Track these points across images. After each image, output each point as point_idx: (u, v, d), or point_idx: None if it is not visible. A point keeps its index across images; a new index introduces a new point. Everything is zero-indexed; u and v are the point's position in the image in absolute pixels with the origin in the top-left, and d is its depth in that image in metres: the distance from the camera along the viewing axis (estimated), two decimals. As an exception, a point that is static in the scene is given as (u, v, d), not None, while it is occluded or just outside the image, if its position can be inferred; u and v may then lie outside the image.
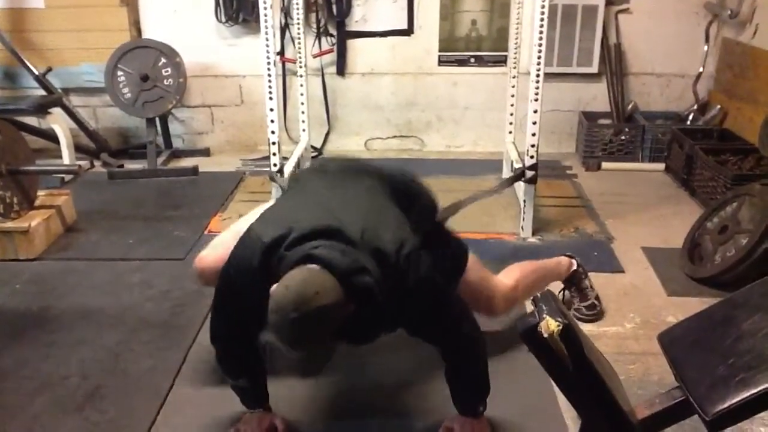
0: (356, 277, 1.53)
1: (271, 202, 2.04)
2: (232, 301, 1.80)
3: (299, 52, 4.06)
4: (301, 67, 4.06)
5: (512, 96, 3.94)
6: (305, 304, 1.44)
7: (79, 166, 3.61)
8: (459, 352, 1.84)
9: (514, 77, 3.93)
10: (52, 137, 4.13)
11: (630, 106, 4.45)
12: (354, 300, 1.53)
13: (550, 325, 1.42)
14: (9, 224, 3.02)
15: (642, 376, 2.19)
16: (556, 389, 1.77)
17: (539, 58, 2.94)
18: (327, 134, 4.57)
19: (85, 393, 2.13)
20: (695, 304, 2.50)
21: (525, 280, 2.31)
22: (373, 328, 1.72)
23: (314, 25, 4.36)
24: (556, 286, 2.50)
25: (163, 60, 4.21)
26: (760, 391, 1.37)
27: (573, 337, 1.44)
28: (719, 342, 1.56)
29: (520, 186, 3.37)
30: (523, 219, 3.22)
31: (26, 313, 2.61)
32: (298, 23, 4.04)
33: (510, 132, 3.98)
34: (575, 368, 1.45)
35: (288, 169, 3.32)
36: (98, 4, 4.32)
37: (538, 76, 2.96)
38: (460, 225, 3.19)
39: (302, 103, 4.06)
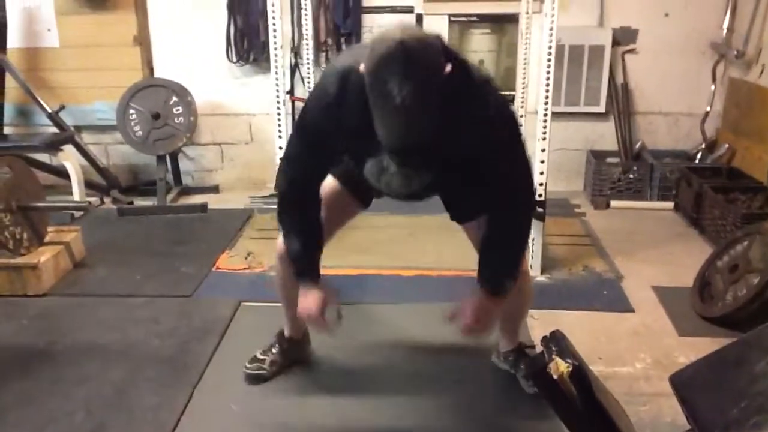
0: (448, 47, 1.59)
1: None
2: (311, 134, 1.83)
3: (309, 92, 4.10)
4: (310, 105, 4.10)
5: (520, 134, 3.95)
6: (410, 31, 1.46)
7: (89, 202, 3.64)
8: (510, 209, 1.87)
9: (521, 116, 3.96)
10: (63, 174, 4.17)
11: (638, 145, 4.46)
12: (449, 59, 1.53)
13: (559, 366, 1.41)
14: (18, 260, 3.02)
15: (654, 418, 2.16)
16: (566, 431, 1.74)
17: (546, 97, 2.96)
18: (335, 172, 4.59)
19: (89, 429, 2.11)
20: (707, 344, 2.47)
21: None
22: (458, 132, 1.66)
23: (324, 65, 4.42)
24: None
25: (175, 98, 4.27)
26: (774, 434, 1.35)
27: (583, 378, 1.42)
28: (732, 384, 1.54)
29: (528, 224, 3.37)
30: (532, 257, 3.20)
31: (33, 349, 2.60)
32: (308, 63, 4.10)
33: (518, 170, 3.99)
34: (585, 410, 1.43)
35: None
36: (112, 44, 4.41)
37: (545, 115, 2.98)
38: (468, 262, 3.19)
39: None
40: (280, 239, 2.12)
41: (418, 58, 1.43)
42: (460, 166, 1.81)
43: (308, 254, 2.00)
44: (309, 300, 1.98)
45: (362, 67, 1.50)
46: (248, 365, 2.38)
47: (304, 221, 1.98)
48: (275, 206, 2.05)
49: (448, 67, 1.51)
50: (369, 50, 1.47)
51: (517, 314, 2.33)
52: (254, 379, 2.36)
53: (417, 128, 1.50)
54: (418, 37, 1.46)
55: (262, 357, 2.39)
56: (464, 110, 1.63)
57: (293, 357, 2.43)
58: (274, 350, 2.40)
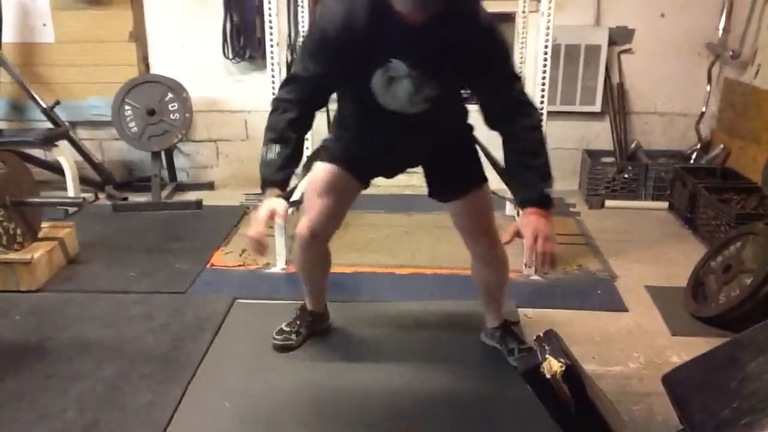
0: None
1: None
2: (314, 49, 1.90)
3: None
4: (306, 102, 4.10)
5: (515, 133, 3.95)
6: None
7: (84, 198, 3.63)
8: (518, 113, 1.95)
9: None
10: (57, 169, 4.16)
11: (633, 145, 4.47)
12: None
13: (552, 365, 1.41)
14: (12, 255, 3.01)
15: (646, 417, 2.16)
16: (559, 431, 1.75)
17: (542, 96, 2.97)
18: (331, 169, 4.59)
19: (82, 426, 2.10)
20: (700, 344, 2.48)
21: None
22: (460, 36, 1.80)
23: (320, 62, 4.40)
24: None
25: (170, 95, 4.26)
26: (765, 435, 1.35)
27: (576, 378, 1.43)
28: (724, 384, 1.54)
29: (523, 223, 3.37)
30: (526, 256, 3.21)
31: (25, 345, 2.60)
32: (304, 60, 4.09)
33: (513, 169, 3.99)
34: (578, 409, 1.44)
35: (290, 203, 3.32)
36: (108, 40, 4.39)
37: (541, 114, 2.98)
38: (461, 260, 3.19)
39: (306, 138, 4.08)
40: (301, 224, 2.27)
41: None
42: (464, 74, 1.92)
43: (286, 170, 1.98)
44: (260, 211, 1.91)
45: None
46: (276, 336, 2.54)
47: (294, 138, 1.99)
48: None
49: None
50: None
51: (495, 287, 2.42)
52: (283, 349, 2.52)
53: None
54: None
55: (287, 329, 2.56)
56: (461, 16, 1.79)
57: (315, 328, 2.60)
58: (298, 322, 2.58)
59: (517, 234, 1.92)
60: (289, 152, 1.99)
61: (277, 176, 1.97)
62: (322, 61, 1.90)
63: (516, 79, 1.97)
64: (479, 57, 1.85)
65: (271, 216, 1.90)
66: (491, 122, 2.00)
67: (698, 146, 4.39)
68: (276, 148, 1.97)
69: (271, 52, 3.07)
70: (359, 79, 1.93)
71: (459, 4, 1.79)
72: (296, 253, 2.42)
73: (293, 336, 2.54)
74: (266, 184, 1.98)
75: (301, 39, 4.00)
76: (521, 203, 1.96)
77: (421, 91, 1.92)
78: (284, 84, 2.03)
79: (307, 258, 2.39)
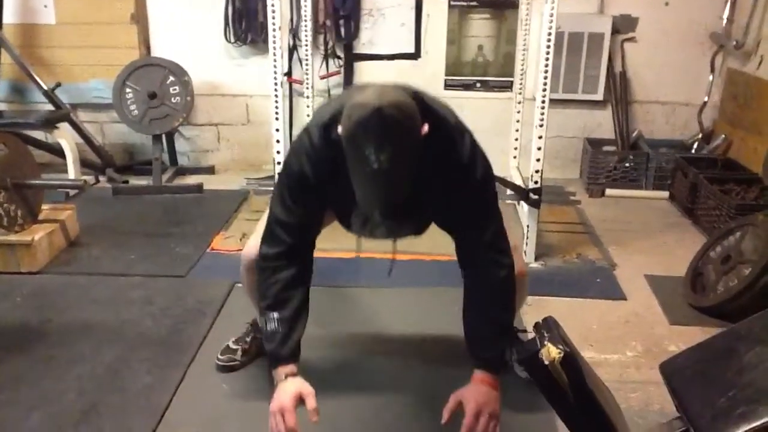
0: (426, 104, 1.59)
1: None
2: (297, 187, 1.72)
3: (306, 73, 4.09)
4: (308, 88, 4.09)
5: (517, 121, 3.96)
6: (386, 96, 1.43)
7: (84, 181, 3.62)
8: (487, 265, 1.76)
9: (519, 103, 3.95)
10: (58, 152, 4.16)
11: (635, 134, 4.47)
12: (427, 119, 1.52)
13: (551, 352, 1.42)
14: (12, 237, 3.02)
15: (643, 405, 2.17)
16: (556, 417, 1.76)
17: (545, 84, 2.96)
18: (332, 155, 4.59)
19: (81, 409, 2.11)
20: (697, 334, 2.49)
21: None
22: (434, 181, 1.65)
23: (322, 47, 4.39)
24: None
25: (171, 78, 4.25)
26: (761, 424, 1.36)
27: (574, 365, 1.43)
28: (721, 373, 1.55)
29: (523, 210, 3.38)
30: (526, 244, 3.21)
31: (25, 327, 2.61)
32: (306, 45, 4.08)
33: (515, 157, 4.00)
34: (575, 396, 1.44)
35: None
36: (109, 22, 4.38)
37: (543, 102, 2.97)
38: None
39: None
40: (248, 245, 2.05)
41: (394, 126, 1.42)
42: (440, 213, 1.83)
43: (291, 340, 1.75)
44: (282, 400, 1.69)
45: (339, 129, 1.48)
46: (220, 356, 2.33)
47: (292, 298, 1.77)
48: (271, 188, 2.01)
49: (426, 128, 1.50)
50: (345, 114, 1.46)
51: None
52: (226, 370, 2.31)
53: (393, 192, 1.50)
54: (395, 103, 1.43)
55: (234, 347, 2.34)
56: (439, 160, 1.62)
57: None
58: (247, 339, 2.36)
59: (459, 405, 1.71)
60: (292, 315, 1.75)
61: (285, 350, 1.73)
62: (304, 200, 1.73)
63: (491, 220, 1.77)
64: (455, 201, 1.71)
65: (298, 402, 1.70)
66: (461, 262, 1.84)
67: (700, 136, 4.38)
68: (275, 316, 1.74)
69: (273, 36, 3.05)
70: (340, 214, 1.88)
71: (436, 159, 1.61)
72: (242, 274, 2.12)
73: (238, 356, 2.31)
74: (275, 361, 1.74)
75: (303, 27, 3.98)
76: (475, 363, 1.76)
77: (398, 233, 1.87)
78: (266, 239, 1.79)
79: (254, 281, 1.96)
